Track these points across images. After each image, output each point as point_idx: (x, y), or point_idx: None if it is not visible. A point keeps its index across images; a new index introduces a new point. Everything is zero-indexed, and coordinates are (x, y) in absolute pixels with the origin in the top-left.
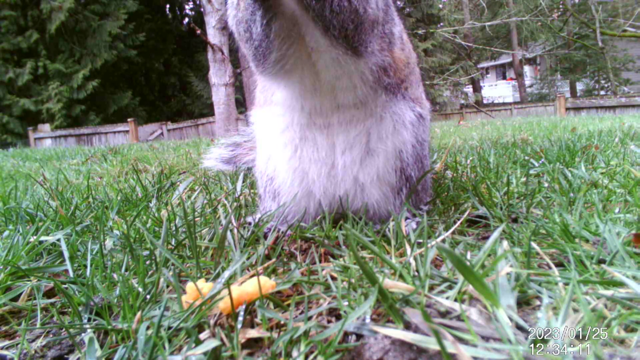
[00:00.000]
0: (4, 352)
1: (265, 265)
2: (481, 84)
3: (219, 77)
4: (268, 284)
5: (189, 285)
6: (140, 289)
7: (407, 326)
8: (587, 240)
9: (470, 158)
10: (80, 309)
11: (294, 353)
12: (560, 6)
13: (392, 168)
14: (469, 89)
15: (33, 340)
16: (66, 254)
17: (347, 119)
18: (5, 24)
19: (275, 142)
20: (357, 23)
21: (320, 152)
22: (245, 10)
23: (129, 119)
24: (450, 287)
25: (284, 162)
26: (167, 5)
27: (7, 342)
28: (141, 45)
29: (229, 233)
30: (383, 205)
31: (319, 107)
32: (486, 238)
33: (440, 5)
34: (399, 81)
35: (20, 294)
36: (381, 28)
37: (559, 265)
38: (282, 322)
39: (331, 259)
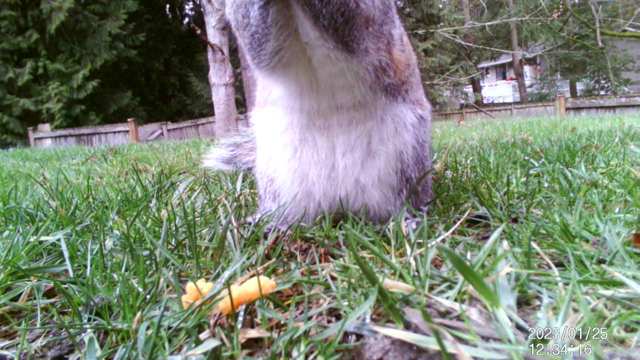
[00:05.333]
0: (4, 352)
1: (265, 265)
2: (481, 84)
3: (219, 77)
4: (268, 284)
5: (189, 285)
6: (140, 289)
7: (407, 326)
8: (587, 240)
9: (470, 158)
10: (80, 309)
11: (294, 353)
12: (560, 6)
13: (392, 170)
14: (469, 89)
15: (33, 340)
16: (66, 254)
17: (347, 120)
18: (5, 24)
19: (275, 143)
20: (348, 17)
21: (320, 154)
22: None
23: (129, 119)
24: (450, 287)
25: (283, 163)
26: (167, 5)
27: (7, 342)
28: (141, 45)
29: (229, 233)
30: (383, 206)
31: (318, 108)
32: (486, 238)
33: (440, 5)
34: (399, 82)
35: (20, 294)
36: (378, 27)
37: (559, 265)
38: (282, 322)
39: (331, 259)
